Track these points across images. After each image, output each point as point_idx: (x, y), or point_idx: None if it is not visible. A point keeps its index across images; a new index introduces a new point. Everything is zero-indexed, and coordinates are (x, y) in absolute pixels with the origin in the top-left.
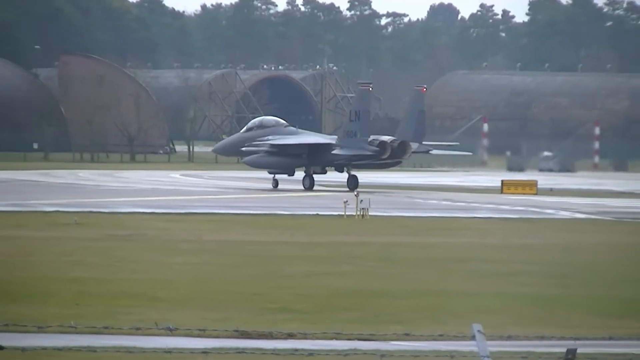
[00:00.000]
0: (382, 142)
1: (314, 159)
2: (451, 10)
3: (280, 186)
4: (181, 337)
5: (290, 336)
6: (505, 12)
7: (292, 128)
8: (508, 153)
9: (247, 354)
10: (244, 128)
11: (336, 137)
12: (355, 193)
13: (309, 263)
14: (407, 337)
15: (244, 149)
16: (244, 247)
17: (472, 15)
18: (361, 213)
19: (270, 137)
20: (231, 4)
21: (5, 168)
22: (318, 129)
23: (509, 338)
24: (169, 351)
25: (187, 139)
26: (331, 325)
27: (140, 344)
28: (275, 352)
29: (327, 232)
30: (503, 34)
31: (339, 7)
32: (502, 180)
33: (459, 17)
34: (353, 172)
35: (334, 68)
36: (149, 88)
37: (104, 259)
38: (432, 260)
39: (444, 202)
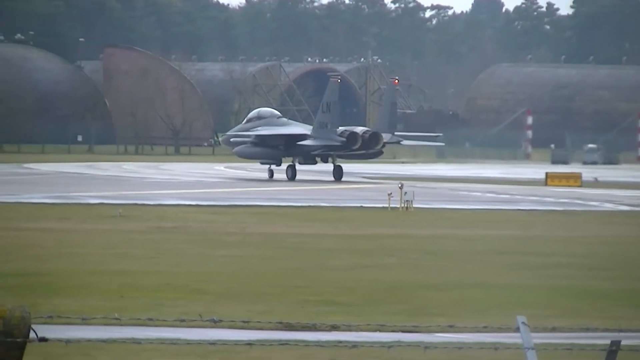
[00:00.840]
0: (353, 133)
1: (290, 150)
2: (495, 3)
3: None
4: (225, 329)
5: (334, 328)
6: (549, 5)
7: (283, 119)
8: (552, 146)
9: (291, 346)
10: (245, 119)
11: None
12: (400, 185)
13: (353, 255)
14: (451, 329)
15: (232, 140)
16: (287, 239)
17: (517, 8)
18: (405, 205)
19: (259, 129)
20: None
21: (50, 160)
22: (362, 122)
23: (553, 330)
24: (213, 343)
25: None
26: (375, 317)
27: (184, 335)
28: (319, 344)
29: (370, 225)
30: (547, 27)
31: (383, 0)
32: (546, 173)
33: (503, 10)
34: (338, 163)
35: (379, 61)
36: (194, 81)
37: (148, 252)
38: (475, 252)
39: (488, 195)
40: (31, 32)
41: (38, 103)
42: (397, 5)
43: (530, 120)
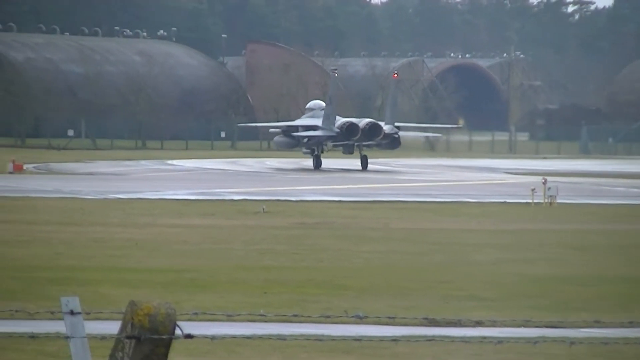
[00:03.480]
0: (352, 124)
1: (300, 140)
2: None
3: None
4: (370, 325)
5: (479, 324)
6: None
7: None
8: None
9: (436, 342)
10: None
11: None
12: (543, 180)
13: (497, 250)
14: (596, 324)
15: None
16: (431, 234)
17: None
18: (549, 200)
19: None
20: None
21: (194, 157)
22: (505, 117)
23: None
24: (358, 339)
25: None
26: (519, 312)
27: (329, 331)
28: (464, 339)
29: (514, 220)
30: None
31: None
32: None
33: None
34: (364, 153)
35: (521, 56)
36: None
37: (292, 247)
38: (620, 247)
39: (633, 190)
40: (174, 28)
41: (181, 99)
42: (539, 0)
43: None
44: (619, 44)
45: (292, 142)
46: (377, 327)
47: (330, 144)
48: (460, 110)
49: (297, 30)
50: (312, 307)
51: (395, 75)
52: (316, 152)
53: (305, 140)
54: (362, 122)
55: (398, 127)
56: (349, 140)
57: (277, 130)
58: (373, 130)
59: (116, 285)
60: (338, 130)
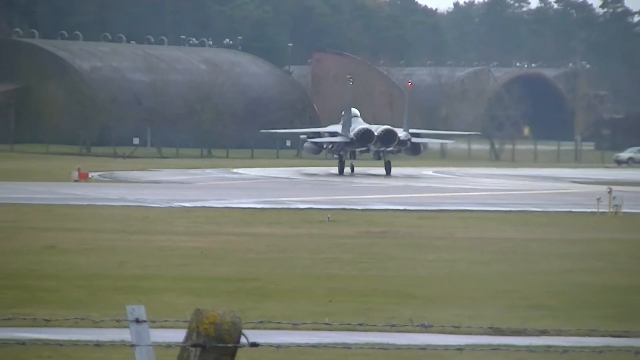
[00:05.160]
0: (368, 131)
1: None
2: None
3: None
4: (435, 334)
5: (544, 333)
6: None
7: (357, 119)
8: None
9: (501, 351)
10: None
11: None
12: (609, 190)
13: (562, 259)
14: None
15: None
16: (496, 243)
17: None
18: (614, 210)
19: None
20: (484, 1)
21: (259, 165)
22: (570, 127)
23: None
24: (423, 348)
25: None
26: (584, 321)
27: (394, 340)
28: (529, 348)
29: (579, 229)
30: None
31: (591, 5)
32: None
33: None
34: (388, 159)
35: (587, 66)
36: (402, 86)
37: (357, 256)
38: None
39: None
40: (239, 37)
41: (247, 108)
42: (605, 10)
43: None
44: None
45: (316, 148)
46: (442, 336)
47: (352, 150)
48: (525, 119)
49: (362, 39)
50: (377, 315)
51: (409, 83)
52: (342, 158)
53: (330, 146)
54: (378, 129)
55: (418, 134)
56: (365, 146)
57: (304, 137)
58: (388, 137)
59: (181, 293)
60: (353, 136)
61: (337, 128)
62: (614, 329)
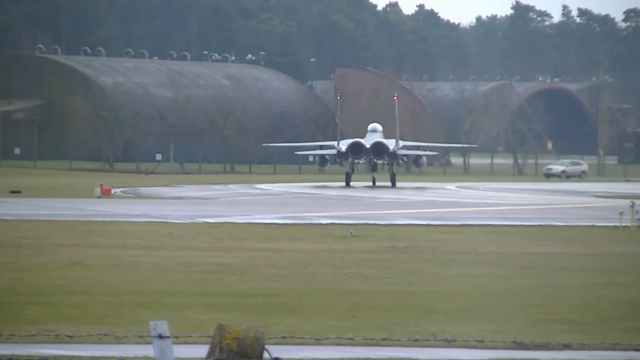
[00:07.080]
0: (357, 143)
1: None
2: None
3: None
4: (458, 349)
5: (567, 347)
6: None
7: (372, 133)
8: None
9: None
10: None
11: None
12: (631, 203)
13: (586, 274)
14: None
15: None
16: (520, 258)
17: None
18: (637, 224)
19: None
20: (506, 15)
21: (282, 180)
22: (594, 142)
23: None
24: None
25: (462, 151)
26: (608, 335)
27: (417, 355)
28: None
29: (602, 243)
30: None
31: (614, 18)
32: None
33: None
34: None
35: (610, 80)
36: (425, 100)
37: (380, 271)
38: None
39: None
40: (262, 52)
41: (270, 123)
42: (628, 24)
43: None
44: None
45: (320, 161)
46: (466, 351)
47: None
48: (548, 133)
49: (386, 53)
50: (401, 330)
51: (395, 97)
52: (349, 171)
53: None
54: (368, 141)
55: (413, 147)
56: (356, 157)
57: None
58: (378, 149)
59: (204, 309)
60: (342, 149)
61: (334, 143)
62: (637, 343)
